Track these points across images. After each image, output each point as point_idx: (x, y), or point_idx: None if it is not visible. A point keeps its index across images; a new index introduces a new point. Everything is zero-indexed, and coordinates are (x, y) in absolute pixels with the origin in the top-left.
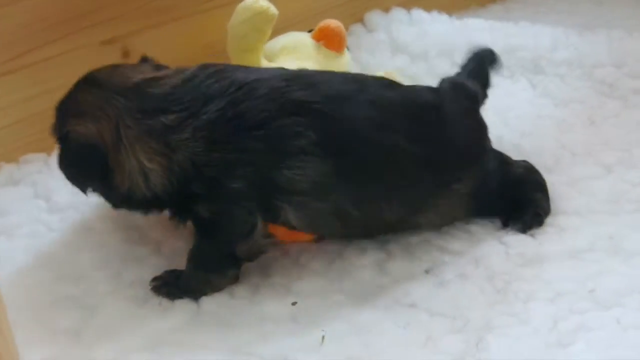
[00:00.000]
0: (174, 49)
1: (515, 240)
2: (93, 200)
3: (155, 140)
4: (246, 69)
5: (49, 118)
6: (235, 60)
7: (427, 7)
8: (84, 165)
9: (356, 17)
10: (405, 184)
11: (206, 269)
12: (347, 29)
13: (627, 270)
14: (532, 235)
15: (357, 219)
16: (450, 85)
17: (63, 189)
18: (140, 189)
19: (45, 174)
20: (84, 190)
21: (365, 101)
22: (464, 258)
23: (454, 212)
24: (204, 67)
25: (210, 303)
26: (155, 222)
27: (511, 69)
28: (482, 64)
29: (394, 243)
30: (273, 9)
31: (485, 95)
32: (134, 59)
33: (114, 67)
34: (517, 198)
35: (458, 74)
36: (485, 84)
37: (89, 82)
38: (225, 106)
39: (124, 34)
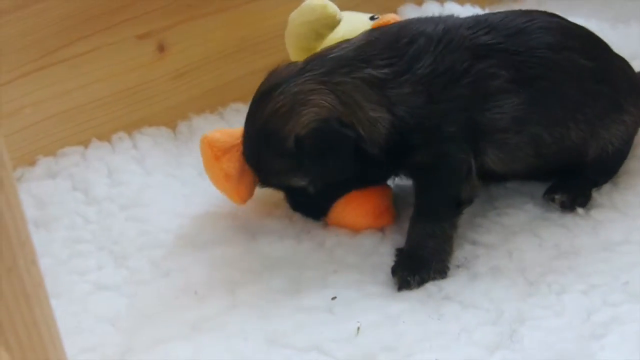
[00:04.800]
0: (207, 43)
1: (549, 233)
2: (127, 193)
3: (375, 91)
4: (430, 20)
5: (86, 112)
6: (291, 53)
7: (461, 0)
8: (334, 140)
9: (390, 9)
10: (588, 100)
11: (439, 219)
12: None
13: None
14: (566, 227)
15: (549, 144)
16: None
17: (100, 182)
18: (378, 138)
19: (82, 166)
20: (341, 173)
21: (539, 29)
22: (497, 251)
23: (617, 141)
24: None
25: (246, 294)
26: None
27: None
28: None
29: None
30: (339, 16)
31: None
32: (169, 53)
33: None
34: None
35: None
36: None
37: (264, 94)
38: (435, 61)
39: (158, 28)
